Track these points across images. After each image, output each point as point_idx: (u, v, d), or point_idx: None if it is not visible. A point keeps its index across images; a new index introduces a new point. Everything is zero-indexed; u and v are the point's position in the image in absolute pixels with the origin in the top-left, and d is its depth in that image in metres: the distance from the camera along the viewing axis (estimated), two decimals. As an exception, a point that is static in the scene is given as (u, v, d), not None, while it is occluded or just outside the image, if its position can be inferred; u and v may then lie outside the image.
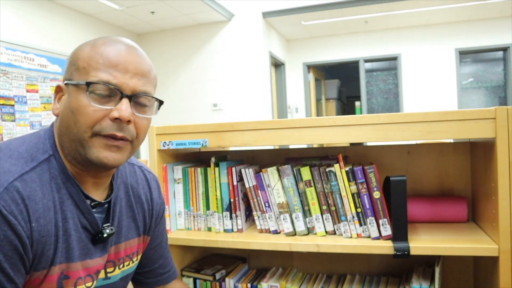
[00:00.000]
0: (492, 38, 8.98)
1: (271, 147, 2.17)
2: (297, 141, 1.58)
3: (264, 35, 8.34)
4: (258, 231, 1.75)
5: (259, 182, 1.71)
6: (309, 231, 1.68)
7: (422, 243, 1.49)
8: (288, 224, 1.67)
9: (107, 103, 1.06)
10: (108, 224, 1.19)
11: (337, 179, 1.58)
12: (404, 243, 1.48)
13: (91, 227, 1.14)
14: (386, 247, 1.50)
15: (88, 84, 1.04)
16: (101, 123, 1.05)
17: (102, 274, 1.20)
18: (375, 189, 1.53)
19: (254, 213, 1.73)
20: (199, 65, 8.37)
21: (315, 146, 2.32)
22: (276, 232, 1.72)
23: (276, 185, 1.68)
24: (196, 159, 2.10)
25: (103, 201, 1.19)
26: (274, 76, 9.62)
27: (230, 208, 1.77)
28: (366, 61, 9.94)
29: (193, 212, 1.84)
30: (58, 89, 1.13)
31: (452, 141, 1.87)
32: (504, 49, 9.17)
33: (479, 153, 1.65)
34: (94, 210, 1.16)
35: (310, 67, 10.37)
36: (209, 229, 1.82)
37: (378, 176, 1.54)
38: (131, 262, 1.30)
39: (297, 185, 1.66)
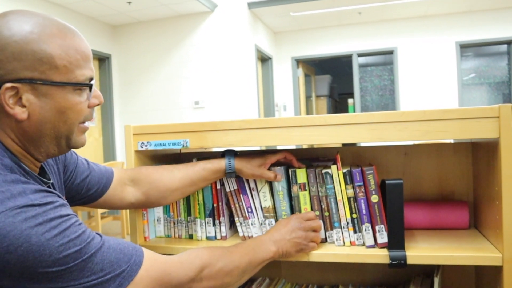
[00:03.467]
0: (495, 30, 9.04)
1: (257, 148, 2.17)
2: (285, 142, 1.58)
3: (250, 27, 8.35)
4: (241, 238, 1.74)
5: (241, 186, 1.70)
6: None
7: (420, 251, 1.50)
8: None
9: (85, 93, 1.19)
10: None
11: (333, 182, 1.58)
12: (400, 252, 1.48)
13: None
14: (381, 255, 1.50)
15: (79, 84, 1.16)
16: (84, 113, 1.20)
17: None
18: (373, 192, 1.53)
19: (236, 219, 1.73)
20: (180, 59, 8.35)
21: (304, 147, 2.32)
22: None
23: (263, 188, 1.68)
24: (176, 161, 2.09)
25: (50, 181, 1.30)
26: (261, 71, 9.63)
27: (213, 214, 1.76)
28: (360, 55, 9.97)
29: (173, 218, 1.83)
30: (13, 90, 1.09)
31: (452, 141, 1.88)
32: (509, 42, 9.24)
33: (482, 154, 1.66)
34: None
35: (299, 61, 10.39)
36: (191, 237, 1.81)
37: (378, 178, 1.54)
38: None
39: (289, 188, 1.66)
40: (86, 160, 1.58)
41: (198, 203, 1.78)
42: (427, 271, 1.85)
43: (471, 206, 1.84)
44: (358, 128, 1.50)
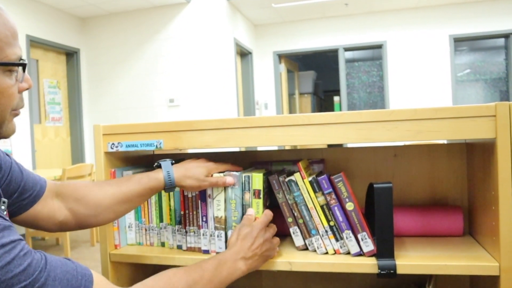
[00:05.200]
0: (492, 23, 9.12)
1: (236, 149, 2.16)
2: (266, 143, 1.57)
3: (228, 19, 8.34)
4: (187, 249, 1.72)
5: (202, 192, 1.67)
6: None
7: (410, 260, 1.49)
8: (222, 243, 1.64)
9: (15, 75, 1.15)
10: None
11: (300, 189, 1.57)
12: (389, 261, 1.47)
13: None
14: (368, 265, 1.49)
15: (11, 64, 1.12)
16: (16, 98, 1.17)
17: None
18: (347, 200, 1.51)
19: (189, 228, 1.70)
20: (153, 54, 8.33)
21: (287, 148, 2.32)
22: (207, 252, 1.68)
23: (219, 195, 1.65)
24: (150, 163, 2.08)
25: None
26: (240, 67, 9.63)
27: (181, 222, 1.75)
28: (347, 49, 10.01)
29: (145, 224, 1.81)
30: None
31: (445, 142, 1.88)
32: (506, 36, 9.32)
33: (477, 156, 1.66)
34: None
35: (281, 56, 10.40)
36: (163, 245, 1.80)
37: (349, 184, 1.53)
38: None
39: (242, 196, 1.63)
40: (20, 166, 1.50)
41: (170, 209, 1.76)
42: (419, 282, 1.85)
43: (466, 212, 1.84)
44: (344, 128, 1.49)
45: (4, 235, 0.97)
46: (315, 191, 1.55)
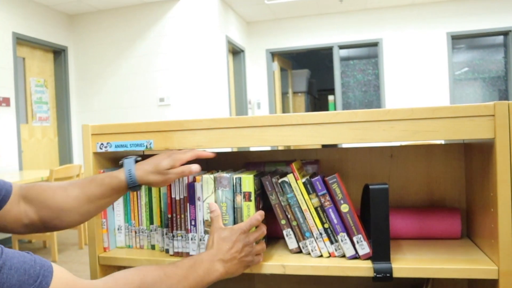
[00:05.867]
0: (490, 20, 9.14)
1: (229, 150, 2.15)
2: (259, 143, 1.57)
3: (220, 16, 8.33)
4: (174, 254, 1.71)
5: (191, 194, 1.67)
6: None
7: (407, 263, 1.49)
8: None
9: None
10: None
11: (293, 191, 1.57)
12: (385, 264, 1.47)
13: None
14: (364, 268, 1.49)
15: None
16: None
17: None
18: (341, 202, 1.51)
19: (176, 232, 1.70)
20: (143, 52, 8.32)
21: (280, 148, 2.31)
22: None
23: (209, 198, 1.64)
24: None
25: None
26: (232, 65, 9.62)
27: (168, 225, 1.74)
28: (341, 47, 10.01)
29: (135, 226, 1.81)
30: None
31: (443, 142, 1.88)
32: (505, 33, 9.34)
33: (475, 156, 1.66)
34: None
35: (274, 54, 10.40)
36: (153, 247, 1.80)
37: (343, 186, 1.53)
38: None
39: (233, 199, 1.62)
40: None
41: (160, 211, 1.76)
42: (415, 285, 1.85)
43: (464, 214, 1.84)
44: (339, 127, 1.49)
45: None
46: (308, 193, 1.55)
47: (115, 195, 1.55)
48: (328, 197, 1.53)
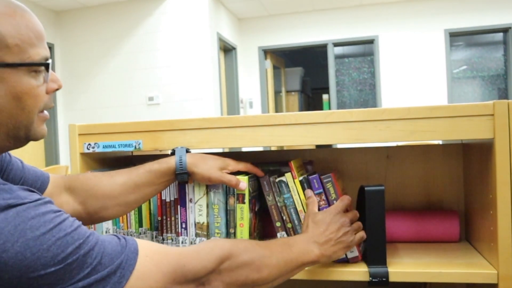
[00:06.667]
0: (489, 17, 9.14)
1: (220, 150, 2.15)
2: (251, 143, 1.57)
3: (211, 12, 8.32)
4: None
5: (182, 196, 1.67)
6: None
7: (403, 267, 1.49)
8: None
9: (41, 76, 1.18)
10: None
11: (290, 191, 1.57)
12: (381, 268, 1.47)
13: None
14: (359, 272, 1.49)
15: (33, 64, 1.14)
16: (43, 99, 1.20)
17: None
18: (334, 202, 1.52)
19: (166, 235, 1.69)
20: (132, 50, 8.30)
21: (273, 149, 2.31)
22: None
23: (201, 199, 1.64)
24: (128, 164, 2.06)
25: None
26: (223, 63, 9.62)
27: (159, 228, 1.73)
28: (336, 44, 10.02)
29: (123, 229, 1.80)
30: None
31: (441, 142, 1.88)
32: (505, 31, 9.34)
33: (474, 157, 1.66)
34: None
35: (267, 52, 10.40)
36: (142, 252, 1.78)
37: (338, 186, 1.53)
38: None
39: (226, 201, 1.62)
40: (21, 161, 1.53)
41: (150, 213, 1.75)
42: (413, 290, 1.85)
43: (462, 216, 1.84)
44: (333, 127, 1.49)
45: (52, 205, 1.05)
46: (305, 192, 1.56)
47: (162, 183, 1.58)
48: (323, 197, 1.53)
